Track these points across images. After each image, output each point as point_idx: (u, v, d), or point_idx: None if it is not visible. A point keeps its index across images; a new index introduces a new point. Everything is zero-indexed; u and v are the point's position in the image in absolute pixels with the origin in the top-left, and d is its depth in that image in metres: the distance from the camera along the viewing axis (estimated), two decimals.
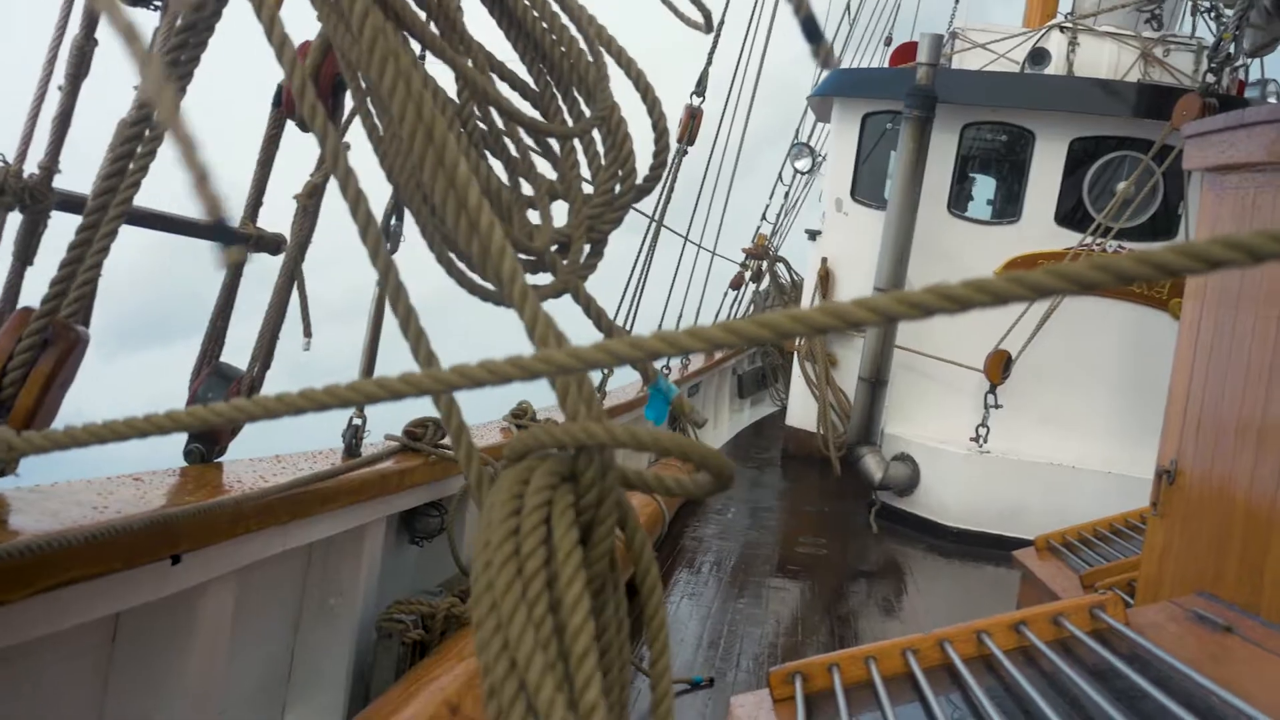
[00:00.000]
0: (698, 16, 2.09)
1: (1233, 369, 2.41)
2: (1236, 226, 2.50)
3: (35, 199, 2.19)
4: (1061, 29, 9.26)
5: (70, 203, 2.22)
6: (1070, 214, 8.75)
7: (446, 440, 4.14)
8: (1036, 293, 0.80)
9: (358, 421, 3.57)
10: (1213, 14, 9.07)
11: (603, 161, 1.73)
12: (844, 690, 2.29)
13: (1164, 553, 2.70)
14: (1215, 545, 2.39)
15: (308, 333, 2.53)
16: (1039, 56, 9.15)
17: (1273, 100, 9.52)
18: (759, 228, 13.92)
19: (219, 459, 2.99)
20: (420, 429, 4.08)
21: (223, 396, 2.64)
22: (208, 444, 2.93)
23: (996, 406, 8.26)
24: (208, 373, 2.89)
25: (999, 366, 8.25)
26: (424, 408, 4.57)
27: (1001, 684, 2.24)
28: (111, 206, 1.83)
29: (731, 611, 5.68)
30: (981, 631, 2.39)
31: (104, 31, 2.08)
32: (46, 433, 1.27)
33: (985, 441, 8.26)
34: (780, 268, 14.14)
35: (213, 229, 2.92)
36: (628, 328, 6.71)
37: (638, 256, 6.23)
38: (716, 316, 12.97)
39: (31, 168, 2.18)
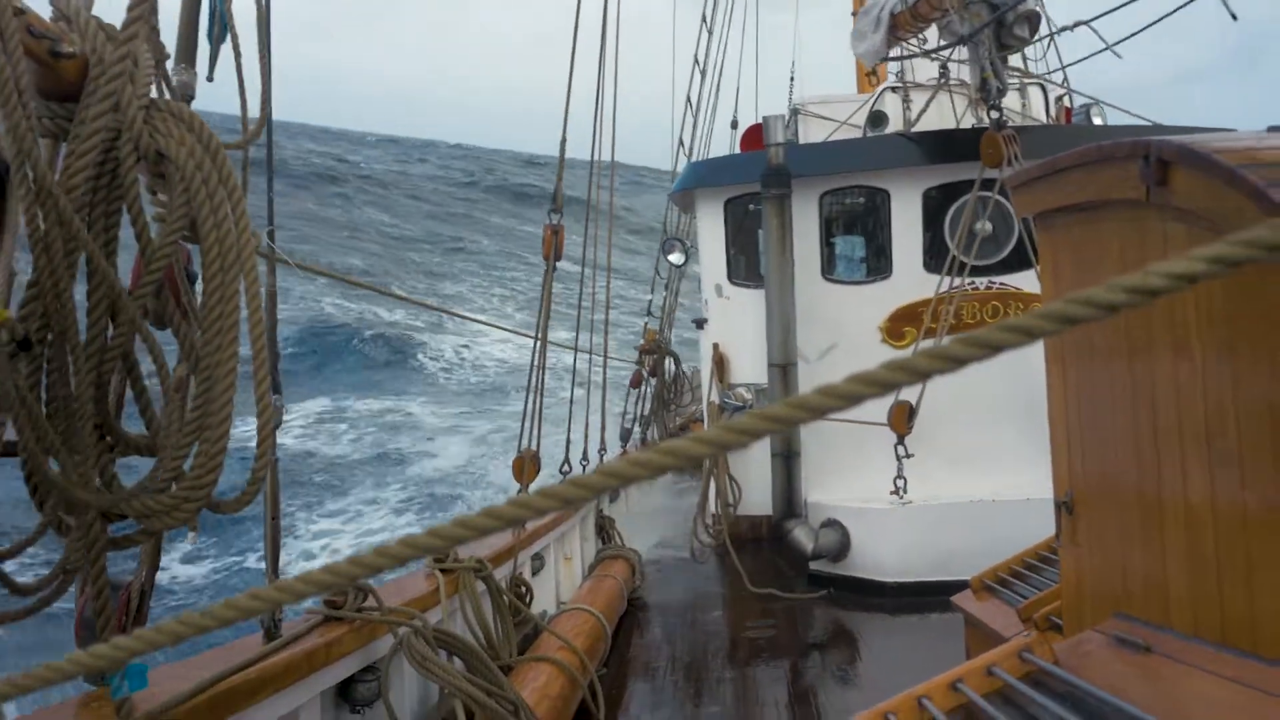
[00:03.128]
0: None
1: (1100, 401, 2.53)
2: (1073, 263, 2.65)
3: None
4: (893, 89, 9.73)
5: None
6: (937, 260, 9.08)
7: (370, 602, 4.07)
8: (918, 377, 0.86)
9: None
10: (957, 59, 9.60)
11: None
12: None
13: (1078, 580, 2.78)
14: (1119, 565, 2.48)
15: (194, 527, 2.49)
16: (878, 119, 9.60)
17: (1098, 121, 10.11)
18: (645, 323, 14.12)
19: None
20: (340, 596, 4.01)
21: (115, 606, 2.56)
22: None
23: (908, 456, 8.41)
24: (92, 591, 2.80)
25: (903, 417, 8.43)
26: None
27: None
28: None
29: (691, 712, 5.61)
30: (922, 697, 2.42)
31: None
32: None
33: (905, 492, 8.39)
34: (669, 363, 14.33)
35: None
36: (534, 446, 6.68)
37: (529, 376, 6.24)
38: (623, 417, 13.03)
39: None
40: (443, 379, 31.40)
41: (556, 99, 6.93)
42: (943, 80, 9.36)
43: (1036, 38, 7.84)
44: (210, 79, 2.65)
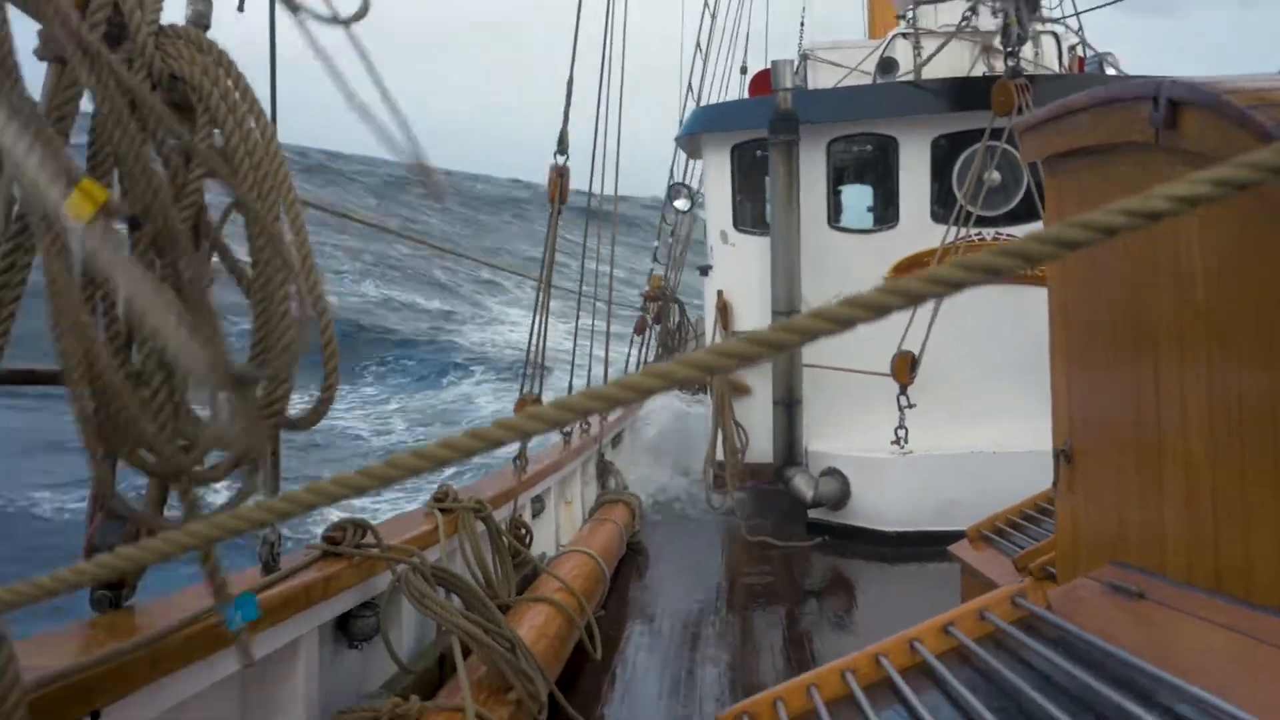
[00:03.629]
0: None
1: (1101, 346, 2.51)
2: (1080, 208, 2.61)
3: None
4: (904, 35, 9.59)
5: None
6: (945, 210, 9.02)
7: (369, 539, 4.09)
8: (912, 300, 0.84)
9: (272, 537, 3.49)
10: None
11: None
12: None
13: (1074, 529, 2.78)
14: (1116, 513, 2.48)
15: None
16: (888, 65, 9.47)
17: (1111, 71, 9.98)
18: (651, 270, 14.05)
19: (130, 601, 2.90)
20: (339, 532, 4.02)
21: (121, 537, 2.57)
22: (115, 589, 2.84)
23: (910, 406, 8.41)
24: (102, 517, 2.80)
25: (905, 367, 8.42)
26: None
27: (940, 689, 2.28)
28: None
29: (688, 655, 5.66)
30: (914, 640, 2.44)
31: None
32: None
33: (906, 443, 8.40)
34: (674, 309, 14.29)
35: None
36: (538, 392, 6.69)
37: (533, 318, 6.22)
38: (626, 363, 13.02)
39: None
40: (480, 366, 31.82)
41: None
42: (964, 24, 9.21)
43: None
44: (241, 9, 2.59)
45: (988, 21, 9.83)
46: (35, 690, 2.07)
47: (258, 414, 2.07)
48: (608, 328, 9.42)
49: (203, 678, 2.87)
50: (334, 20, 2.06)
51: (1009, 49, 7.63)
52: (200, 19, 2.55)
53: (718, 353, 0.83)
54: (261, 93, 2.28)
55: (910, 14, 10.03)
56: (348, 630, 4.04)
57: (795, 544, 8.03)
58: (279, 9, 2.40)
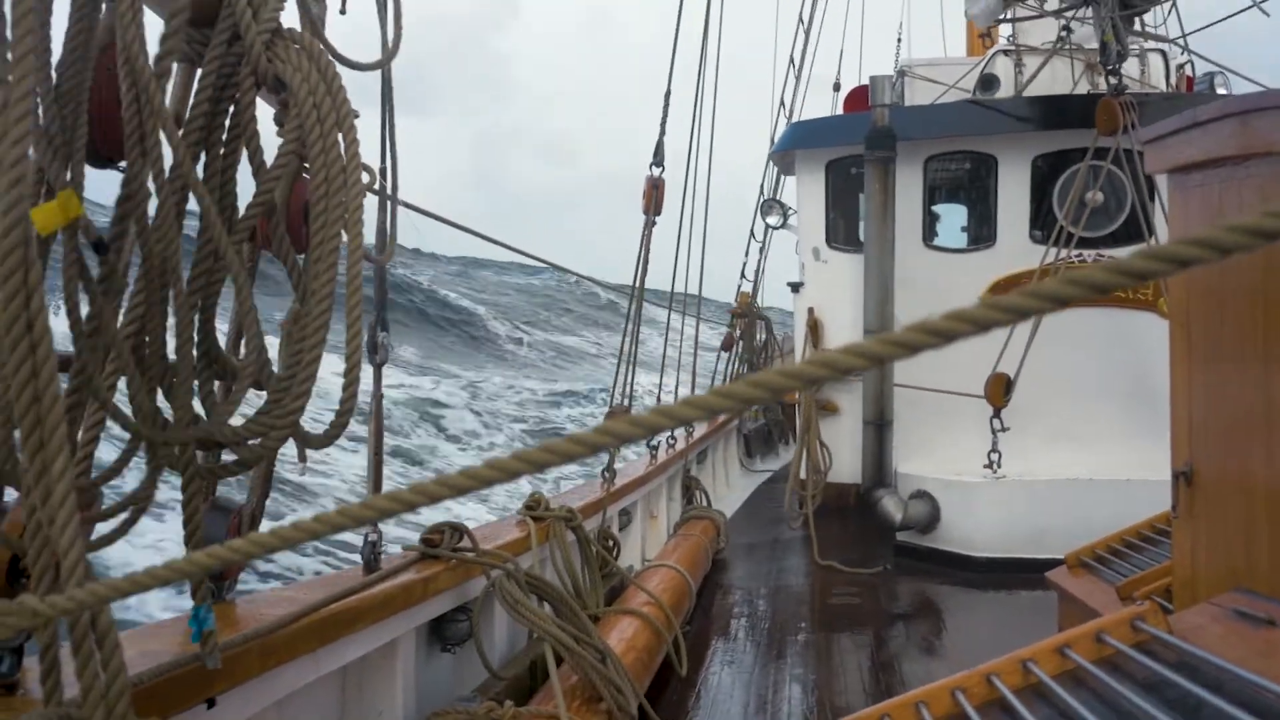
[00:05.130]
0: None
1: (1228, 361, 2.42)
2: (1205, 223, 2.53)
3: None
4: (1005, 53, 9.45)
5: None
6: (1044, 230, 8.84)
7: (465, 543, 4.13)
8: (1016, 315, 0.82)
9: (373, 537, 3.55)
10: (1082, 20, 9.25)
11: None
12: None
13: (1194, 554, 2.68)
14: (1243, 539, 2.38)
15: (302, 458, 2.53)
16: (988, 82, 9.33)
17: (1221, 91, 9.69)
18: (739, 286, 14.02)
19: (230, 594, 2.97)
20: (437, 535, 4.08)
21: (224, 532, 2.63)
22: (218, 581, 2.92)
23: (1003, 430, 8.23)
24: (205, 509, 2.88)
25: (1000, 389, 8.25)
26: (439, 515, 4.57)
27: (1055, 711, 2.21)
28: None
29: (773, 673, 5.60)
30: (1027, 660, 2.37)
31: None
32: (70, 594, 1.28)
33: (999, 467, 8.22)
34: (760, 325, 14.22)
35: None
36: (625, 403, 6.71)
37: (624, 329, 6.25)
38: (712, 380, 12.99)
39: None
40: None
41: None
42: (1060, 43, 9.04)
43: None
44: (343, 12, 2.66)
45: (1091, 38, 9.65)
46: (158, 676, 2.13)
47: (271, 421, 2.13)
48: (696, 336, 9.42)
49: (308, 671, 2.93)
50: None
51: (1109, 66, 7.47)
52: (316, 22, 2.63)
53: (815, 363, 0.82)
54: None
55: (987, 31, 9.88)
56: (441, 634, 4.08)
57: (863, 570, 7.89)
58: None
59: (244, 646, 2.49)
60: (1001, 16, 8.78)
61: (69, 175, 1.92)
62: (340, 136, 2.20)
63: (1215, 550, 2.57)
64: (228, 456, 2.29)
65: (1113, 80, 7.52)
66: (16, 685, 1.98)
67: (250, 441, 2.13)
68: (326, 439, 2.26)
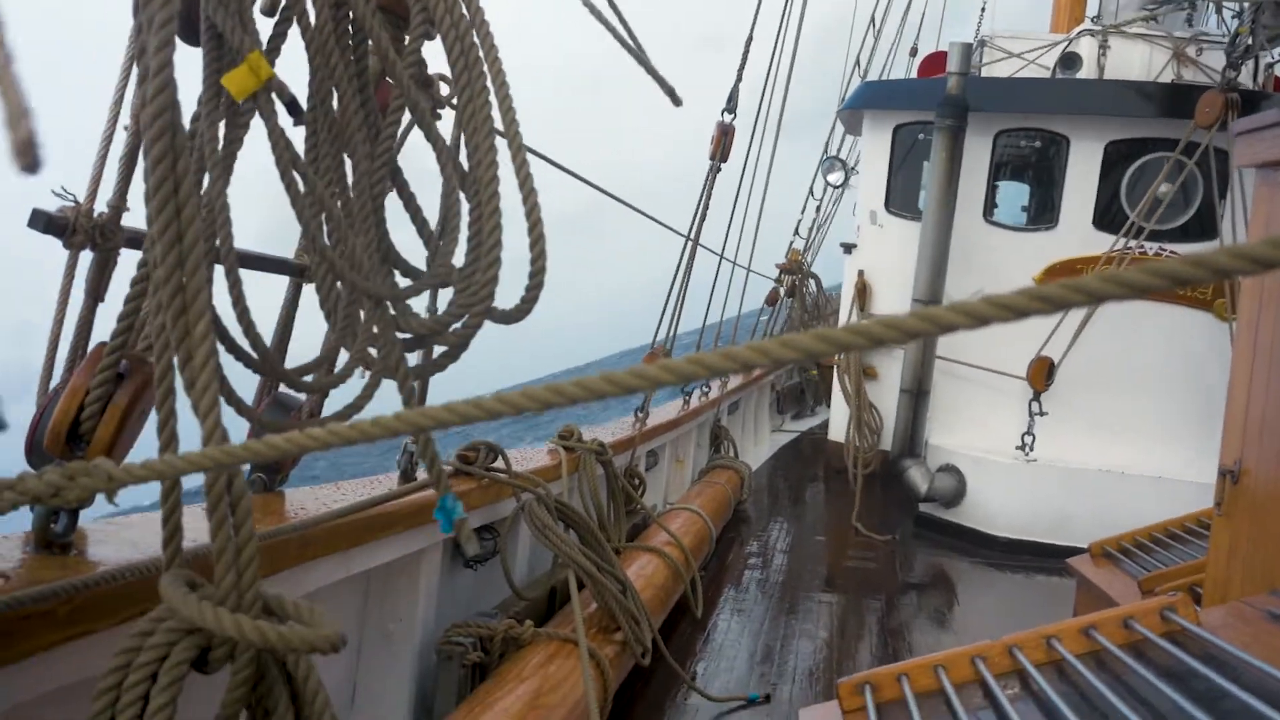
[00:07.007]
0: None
1: None
2: None
3: (105, 237, 2.24)
4: (1091, 33, 9.23)
5: (137, 240, 2.27)
6: (1108, 218, 8.69)
7: (499, 464, 4.18)
8: (1093, 299, 0.81)
9: (413, 448, 3.59)
10: (1235, 11, 9.01)
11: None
12: (915, 699, 2.29)
13: (1231, 553, 2.67)
14: None
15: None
16: (1070, 61, 9.12)
17: None
18: (791, 242, 13.91)
19: (281, 487, 3.04)
20: (472, 453, 4.12)
21: (284, 425, 2.67)
22: (270, 473, 2.98)
23: (1041, 414, 8.19)
24: (268, 403, 2.93)
25: (1043, 373, 8.20)
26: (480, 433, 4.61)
27: (1075, 689, 2.22)
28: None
29: (782, 627, 5.65)
30: (1051, 637, 2.38)
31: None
32: (146, 462, 1.30)
33: (1031, 449, 8.19)
34: (810, 284, 14.12)
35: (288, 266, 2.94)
36: (668, 345, 6.72)
37: (675, 274, 6.24)
38: (754, 333, 12.96)
39: (101, 207, 2.24)
40: None
41: None
42: (1147, 19, 8.80)
43: None
44: None
45: (1178, 26, 9.39)
46: (198, 556, 2.18)
47: (466, 301, 2.00)
48: (744, 289, 9.38)
49: (338, 569, 2.99)
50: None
51: (1234, 58, 7.20)
52: None
53: (852, 331, 0.82)
54: None
55: (1083, 7, 9.64)
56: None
57: (874, 536, 7.90)
58: None
59: (288, 536, 2.55)
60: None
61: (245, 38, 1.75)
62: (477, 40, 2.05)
63: (1254, 550, 2.56)
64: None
65: (1231, 74, 7.30)
66: (70, 546, 2.04)
67: (453, 328, 2.00)
68: (519, 312, 2.11)
